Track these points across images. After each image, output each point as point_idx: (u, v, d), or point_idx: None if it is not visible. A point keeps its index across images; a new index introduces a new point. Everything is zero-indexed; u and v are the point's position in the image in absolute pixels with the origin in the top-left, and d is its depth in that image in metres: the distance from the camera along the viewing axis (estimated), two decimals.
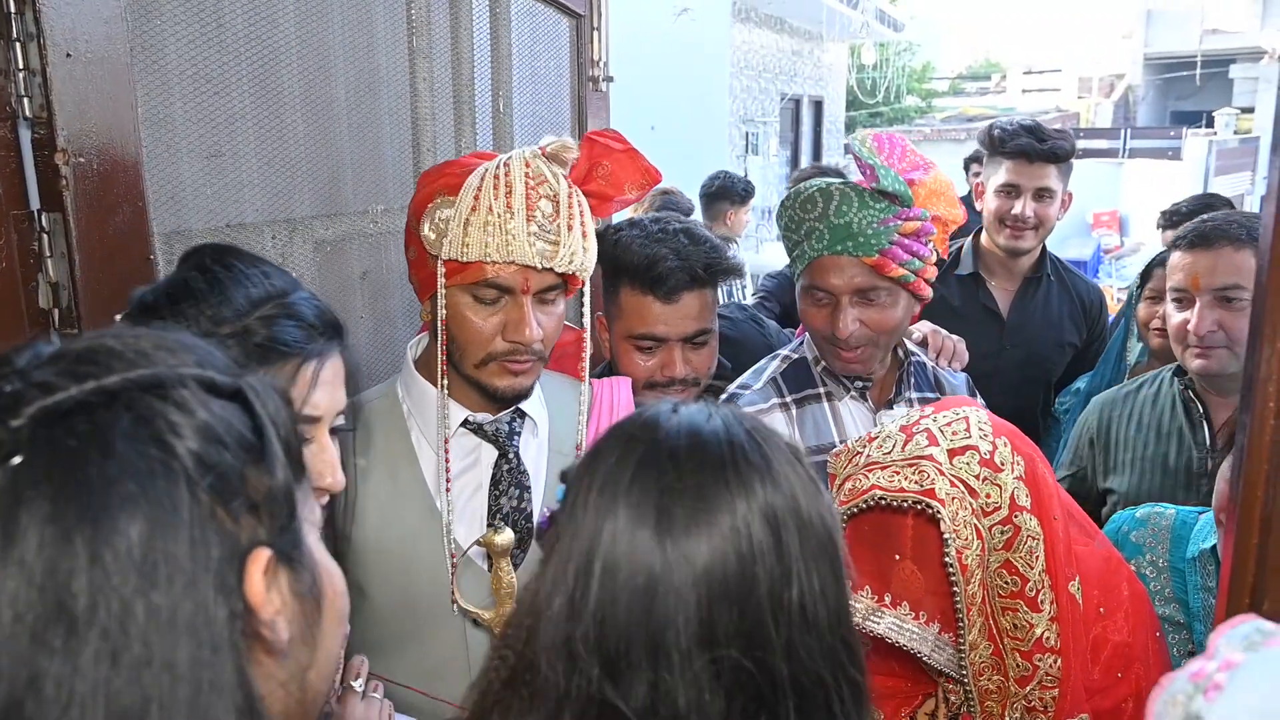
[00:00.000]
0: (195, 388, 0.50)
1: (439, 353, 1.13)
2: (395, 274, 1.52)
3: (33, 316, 1.01)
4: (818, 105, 11.79)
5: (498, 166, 1.08)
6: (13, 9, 0.98)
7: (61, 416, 0.46)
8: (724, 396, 1.48)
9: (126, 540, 0.44)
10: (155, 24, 1.12)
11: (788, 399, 1.45)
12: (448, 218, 1.08)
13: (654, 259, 1.35)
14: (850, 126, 13.90)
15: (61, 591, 0.43)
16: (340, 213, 1.37)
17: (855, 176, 1.38)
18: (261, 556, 0.49)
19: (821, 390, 1.45)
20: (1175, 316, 1.51)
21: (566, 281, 1.13)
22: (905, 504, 1.01)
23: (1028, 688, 1.03)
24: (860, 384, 1.45)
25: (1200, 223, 1.51)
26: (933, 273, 1.38)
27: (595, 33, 1.72)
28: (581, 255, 1.10)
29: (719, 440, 0.68)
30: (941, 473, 1.01)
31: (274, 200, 1.26)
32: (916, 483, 1.01)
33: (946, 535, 0.98)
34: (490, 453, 1.19)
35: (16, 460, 0.44)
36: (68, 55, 1.01)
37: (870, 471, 1.04)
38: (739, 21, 9.08)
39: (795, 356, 1.49)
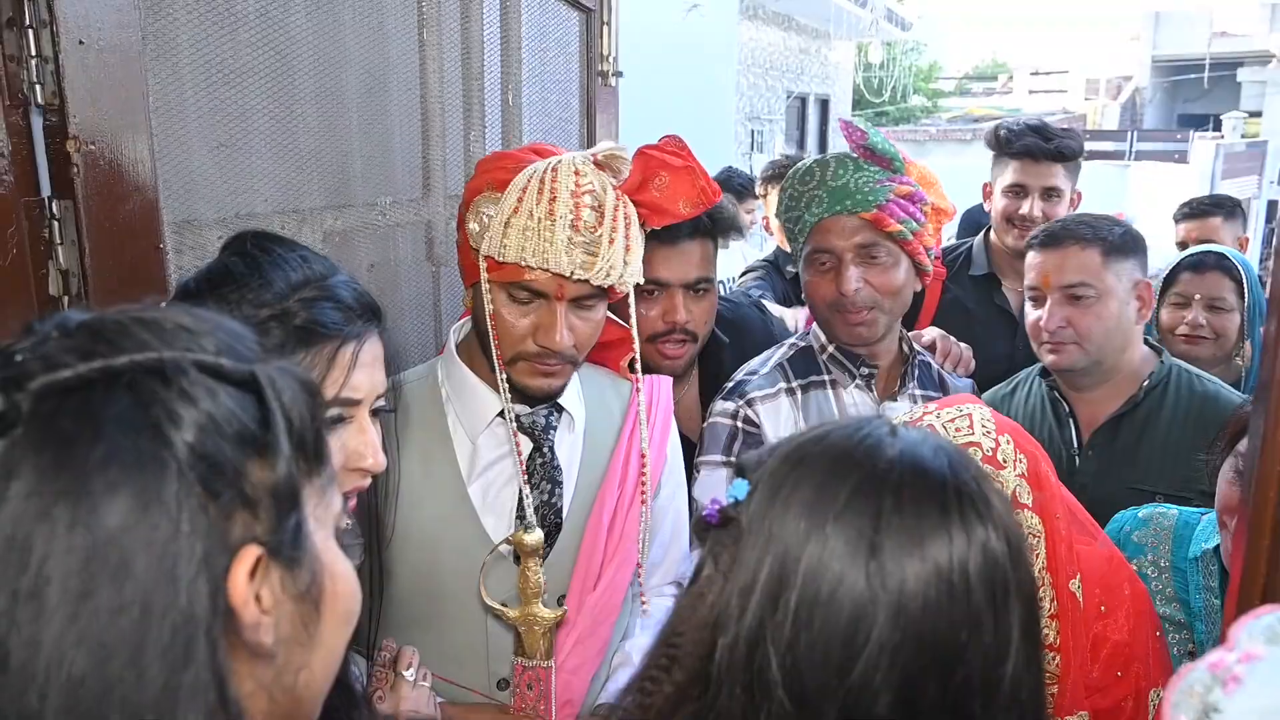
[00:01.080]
0: (202, 374, 0.49)
1: (491, 341, 1.13)
2: (403, 266, 1.52)
3: (43, 303, 1.01)
4: (824, 104, 11.73)
5: (546, 170, 1.07)
6: None
7: (61, 393, 0.46)
8: (732, 382, 1.49)
9: (104, 526, 0.44)
10: (167, 13, 1.12)
11: (794, 384, 1.46)
12: (491, 214, 1.08)
13: None
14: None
15: (34, 567, 0.43)
16: (349, 204, 1.37)
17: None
18: (249, 555, 0.48)
19: (827, 378, 1.47)
20: (1031, 314, 1.56)
21: (606, 290, 1.12)
22: None
23: None
24: (865, 370, 1.46)
25: (1051, 224, 1.60)
26: (931, 243, 1.41)
27: (605, 27, 1.72)
28: (621, 268, 1.09)
29: (943, 476, 0.62)
30: None
31: (284, 191, 1.26)
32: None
33: None
34: (525, 444, 1.19)
35: (16, 432, 0.44)
36: (80, 43, 1.01)
37: None
38: (746, 19, 9.06)
39: (802, 344, 1.52)
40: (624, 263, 1.09)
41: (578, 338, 1.12)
